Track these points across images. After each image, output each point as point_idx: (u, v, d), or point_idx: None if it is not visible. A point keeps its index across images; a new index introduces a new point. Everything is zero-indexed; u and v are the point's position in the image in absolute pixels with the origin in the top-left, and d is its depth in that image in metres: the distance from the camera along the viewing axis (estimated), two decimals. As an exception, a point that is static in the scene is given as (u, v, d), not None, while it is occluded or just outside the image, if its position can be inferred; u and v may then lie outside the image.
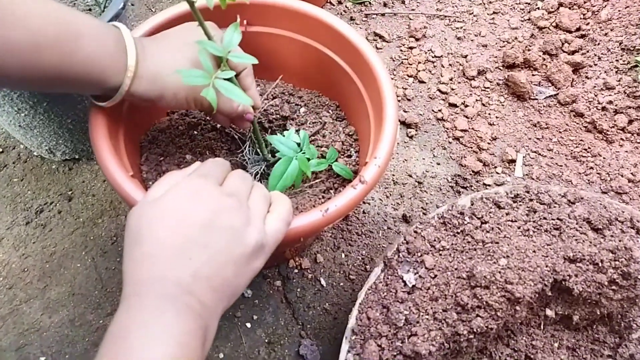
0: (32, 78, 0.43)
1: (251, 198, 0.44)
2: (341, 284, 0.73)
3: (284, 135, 0.61)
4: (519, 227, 0.64)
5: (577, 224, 0.64)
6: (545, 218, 0.65)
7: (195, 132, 0.70)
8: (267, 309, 0.70)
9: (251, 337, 0.68)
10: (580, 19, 1.00)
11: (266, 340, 0.68)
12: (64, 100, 0.66)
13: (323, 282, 0.73)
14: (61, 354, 0.66)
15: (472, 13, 1.02)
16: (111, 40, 0.47)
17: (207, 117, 0.70)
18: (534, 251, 0.61)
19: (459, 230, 0.65)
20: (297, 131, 0.63)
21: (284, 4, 0.64)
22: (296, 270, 0.74)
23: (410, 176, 0.83)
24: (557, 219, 0.64)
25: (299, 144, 0.60)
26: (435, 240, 0.64)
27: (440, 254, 0.63)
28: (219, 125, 0.70)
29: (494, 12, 1.03)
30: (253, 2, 0.63)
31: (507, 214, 0.66)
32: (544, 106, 0.90)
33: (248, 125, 0.63)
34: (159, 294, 0.35)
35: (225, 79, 0.49)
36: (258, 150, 0.64)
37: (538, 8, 1.04)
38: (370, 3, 1.03)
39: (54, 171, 0.80)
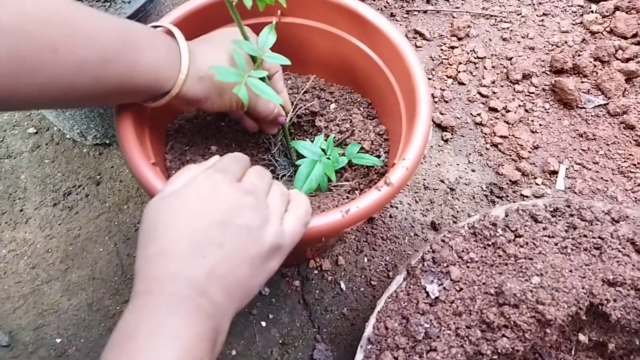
0: (98, 93, 0.43)
1: (270, 195, 0.42)
2: (361, 289, 0.70)
3: (312, 136, 0.60)
4: (556, 244, 0.60)
5: (620, 244, 0.59)
6: (585, 236, 0.60)
7: (223, 124, 0.68)
8: (283, 308, 0.69)
9: (265, 337, 0.66)
10: (638, 24, 0.93)
11: (280, 341, 0.66)
12: (95, 85, 0.66)
13: (343, 285, 0.70)
14: (77, 337, 0.66)
15: (521, 14, 0.97)
16: (164, 46, 0.47)
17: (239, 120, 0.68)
18: (571, 271, 0.56)
19: (490, 243, 0.61)
20: (327, 136, 0.62)
21: (318, -6, 0.62)
22: (316, 271, 0.71)
23: (443, 182, 0.79)
24: (599, 237, 0.60)
25: (324, 150, 0.59)
26: (463, 251, 0.61)
27: (468, 267, 0.59)
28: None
29: (543, 14, 0.97)
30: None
31: (544, 229, 0.61)
32: (591, 116, 0.84)
33: (276, 130, 0.63)
34: (170, 294, 0.34)
35: (258, 78, 0.49)
36: (287, 153, 0.64)
37: (592, 11, 0.97)
38: None
39: (85, 155, 0.80)
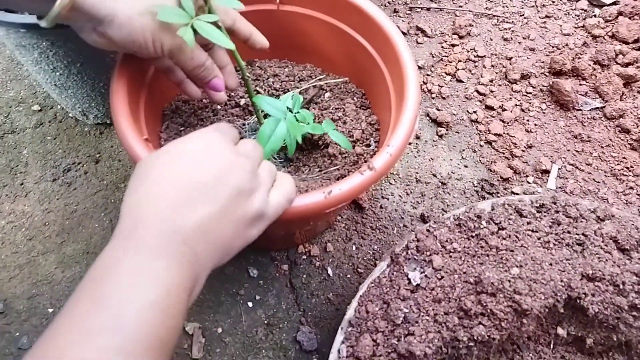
0: None
1: (260, 168, 0.44)
2: (348, 275, 0.72)
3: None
4: (538, 238, 0.61)
5: (602, 241, 0.59)
6: (569, 232, 0.61)
7: (219, 107, 0.70)
8: (270, 291, 0.70)
9: (251, 317, 0.68)
10: (641, 30, 0.94)
11: (265, 322, 0.68)
12: (97, 63, 0.68)
13: (330, 271, 0.72)
14: (68, 307, 0.68)
15: (523, 15, 0.98)
16: None
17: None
18: (551, 264, 0.57)
19: (473, 234, 0.62)
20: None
21: (317, -16, 0.63)
22: (304, 257, 0.73)
23: (435, 176, 0.80)
24: (583, 234, 0.60)
25: (290, 109, 0.56)
26: (447, 241, 0.62)
27: (451, 256, 0.60)
28: (242, 102, 0.70)
29: (546, 16, 0.98)
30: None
31: (528, 223, 0.62)
32: (588, 118, 0.85)
33: (220, 99, 0.60)
34: (155, 237, 0.34)
35: (208, 22, 0.45)
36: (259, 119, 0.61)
37: (595, 15, 0.98)
38: (416, -3, 1.00)
39: (86, 133, 0.82)
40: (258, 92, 0.71)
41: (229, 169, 0.39)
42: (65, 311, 0.30)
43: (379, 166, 0.51)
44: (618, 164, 0.80)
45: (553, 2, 1.00)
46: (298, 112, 0.57)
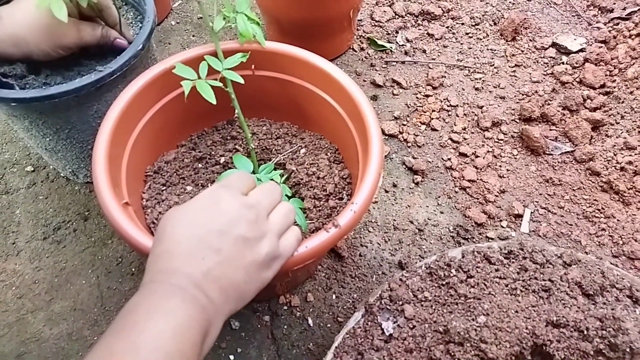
0: None
1: (274, 212, 0.48)
2: (328, 325, 0.73)
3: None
4: (506, 285, 0.63)
5: (568, 287, 0.61)
6: (536, 278, 0.63)
7: (200, 166, 0.74)
8: (252, 343, 0.72)
9: (233, 370, 0.69)
10: (606, 75, 0.98)
11: (247, 375, 0.69)
12: (85, 127, 0.72)
13: (310, 321, 0.73)
14: (54, 365, 0.69)
15: (493, 65, 1.03)
16: None
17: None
18: (517, 311, 0.59)
19: (444, 282, 0.64)
20: (282, 175, 0.69)
21: (288, 52, 0.68)
22: (285, 307, 0.75)
23: (412, 222, 0.83)
24: (549, 280, 0.62)
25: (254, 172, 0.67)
26: (418, 290, 0.64)
27: (422, 305, 0.62)
28: (222, 160, 0.73)
29: (515, 65, 1.03)
30: (260, 49, 0.67)
31: (496, 270, 0.64)
32: (558, 162, 0.88)
33: (124, 45, 0.69)
34: (171, 283, 0.39)
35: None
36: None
37: (562, 63, 1.02)
38: (391, 51, 1.06)
39: (76, 192, 0.86)
40: (238, 151, 0.74)
41: (234, 221, 0.43)
42: (96, 343, 0.36)
43: (344, 223, 0.54)
44: (590, 206, 0.83)
45: (522, 51, 1.05)
46: (261, 178, 0.64)
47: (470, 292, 0.62)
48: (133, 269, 0.78)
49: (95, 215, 0.83)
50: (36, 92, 0.63)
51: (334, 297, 0.76)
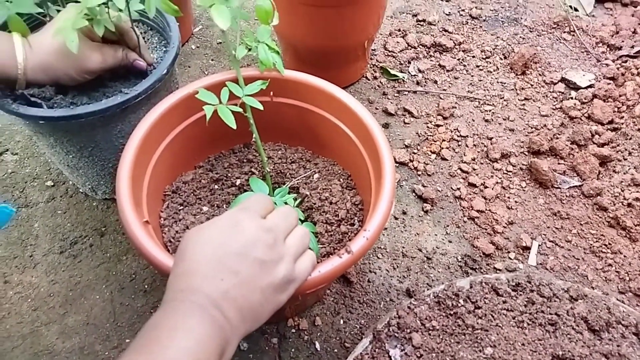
0: None
1: (290, 236, 0.50)
2: (335, 350, 0.74)
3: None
4: (513, 318, 0.64)
5: (574, 321, 0.62)
6: (542, 311, 0.64)
7: (216, 187, 0.76)
8: (259, 364, 0.73)
9: (240, 391, 0.70)
10: (614, 112, 1.00)
11: (253, 396, 0.70)
12: (107, 147, 0.75)
13: (318, 346, 0.74)
14: (65, 379, 0.71)
15: (503, 97, 1.05)
16: (5, 46, 0.62)
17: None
18: (523, 344, 0.60)
19: (452, 312, 0.65)
20: (295, 198, 0.72)
21: (306, 80, 0.71)
22: (294, 330, 0.76)
23: (420, 250, 0.84)
24: (555, 314, 0.63)
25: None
26: (426, 318, 0.65)
27: (430, 334, 0.63)
28: (238, 182, 0.76)
29: (525, 99, 1.05)
30: (279, 76, 0.70)
31: (504, 302, 0.65)
32: (566, 196, 0.90)
33: (143, 67, 0.73)
34: (191, 302, 0.41)
35: None
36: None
37: (571, 98, 1.05)
38: (404, 80, 1.08)
39: (94, 208, 0.88)
40: (253, 173, 0.77)
41: (252, 244, 0.45)
42: (119, 358, 0.38)
43: (356, 250, 0.56)
44: (596, 241, 0.84)
45: (531, 85, 1.07)
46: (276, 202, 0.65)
47: (477, 323, 0.63)
48: (146, 286, 0.80)
49: (112, 231, 0.86)
50: (64, 111, 0.66)
51: (341, 322, 0.77)
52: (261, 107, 0.63)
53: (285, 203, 0.69)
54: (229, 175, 0.77)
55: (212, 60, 1.15)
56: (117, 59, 0.70)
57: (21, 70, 0.63)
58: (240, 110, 0.62)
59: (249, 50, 0.65)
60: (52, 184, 0.91)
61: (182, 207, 0.72)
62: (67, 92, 0.71)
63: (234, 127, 0.58)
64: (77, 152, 0.74)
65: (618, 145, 0.95)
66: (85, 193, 0.90)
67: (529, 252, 0.83)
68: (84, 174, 0.81)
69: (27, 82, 0.65)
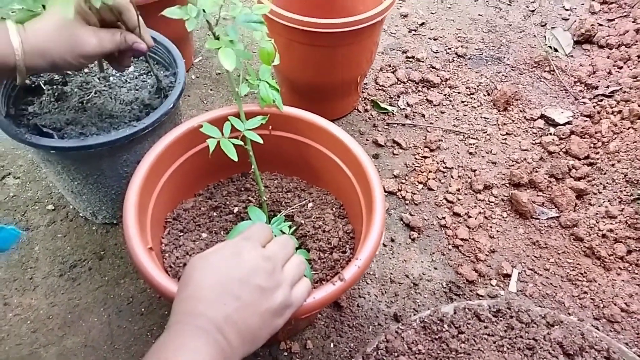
0: None
1: (288, 264, 0.53)
2: (326, 372, 0.77)
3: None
4: (494, 342, 0.68)
5: (550, 346, 0.66)
6: (521, 336, 0.68)
7: (215, 214, 0.80)
8: (253, 386, 0.75)
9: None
10: (590, 147, 1.07)
11: (246, 417, 0.72)
12: (112, 175, 0.79)
13: (309, 368, 0.77)
14: (63, 399, 0.73)
15: (486, 132, 1.11)
16: (2, 37, 0.60)
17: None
18: (503, 367, 0.64)
19: (437, 337, 0.69)
20: (290, 226, 0.75)
21: (302, 116, 0.76)
22: (286, 353, 0.79)
23: (407, 277, 0.88)
24: (533, 339, 0.68)
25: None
26: (413, 342, 0.68)
27: (416, 357, 0.67)
28: (235, 210, 0.80)
29: (507, 133, 1.11)
30: (278, 112, 0.75)
31: (485, 327, 0.70)
32: (545, 226, 0.95)
33: (128, 64, 0.72)
34: (196, 326, 0.44)
35: None
36: None
37: (550, 133, 1.11)
38: (393, 113, 1.14)
39: (93, 232, 0.91)
40: (251, 202, 0.81)
41: (253, 271, 0.48)
42: None
43: (349, 277, 0.60)
44: (573, 270, 0.89)
45: (513, 121, 1.14)
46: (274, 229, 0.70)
47: (460, 347, 0.67)
48: (143, 309, 0.82)
49: (110, 255, 0.88)
50: (74, 142, 0.69)
51: (332, 345, 0.80)
52: (261, 141, 0.67)
53: (281, 231, 0.73)
54: (227, 203, 0.80)
55: (211, 90, 1.20)
56: (115, 43, 0.66)
57: (19, 55, 0.60)
58: (241, 142, 0.66)
59: (250, 88, 0.70)
60: (53, 207, 0.94)
61: (182, 234, 0.76)
62: (77, 123, 0.75)
63: (236, 159, 0.62)
64: (83, 179, 0.78)
65: (594, 179, 1.01)
66: (86, 217, 0.93)
67: (510, 280, 0.88)
68: (86, 200, 0.84)
69: (27, 68, 0.62)
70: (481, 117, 1.15)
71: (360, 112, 1.16)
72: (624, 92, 1.14)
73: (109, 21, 0.67)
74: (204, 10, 0.58)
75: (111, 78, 0.84)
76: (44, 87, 0.80)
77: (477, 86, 1.22)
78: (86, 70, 0.84)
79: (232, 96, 0.60)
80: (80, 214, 0.93)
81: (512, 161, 1.06)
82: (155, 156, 0.69)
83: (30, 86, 0.80)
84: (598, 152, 1.06)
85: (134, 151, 0.75)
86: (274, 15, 0.91)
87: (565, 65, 1.27)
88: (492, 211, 0.97)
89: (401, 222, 0.96)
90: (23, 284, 0.84)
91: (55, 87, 0.80)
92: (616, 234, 0.91)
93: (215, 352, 0.43)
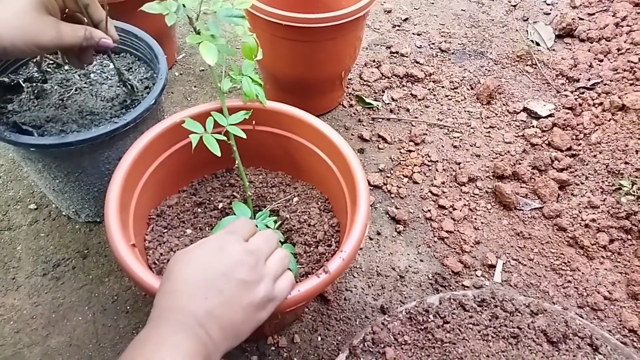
0: None
1: (271, 258, 0.53)
2: (313, 366, 0.77)
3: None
4: (479, 331, 0.69)
5: (534, 334, 0.67)
6: (506, 325, 0.69)
7: (199, 210, 0.79)
8: (240, 381, 0.75)
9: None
10: (572, 139, 1.08)
11: (234, 413, 0.72)
12: (93, 172, 0.78)
13: (296, 362, 0.77)
14: (47, 399, 0.72)
15: (470, 125, 1.12)
16: None
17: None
18: (488, 356, 0.64)
19: (422, 327, 0.70)
20: (275, 221, 0.75)
21: (286, 110, 0.76)
22: (273, 348, 0.79)
23: (394, 269, 0.89)
24: (517, 327, 0.68)
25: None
26: (399, 334, 0.69)
27: (402, 348, 0.67)
28: (220, 205, 0.79)
29: (490, 127, 1.12)
30: (261, 107, 0.75)
31: (470, 317, 0.70)
32: (528, 217, 0.96)
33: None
34: (177, 319, 0.43)
35: None
36: None
37: (533, 126, 1.13)
38: (378, 108, 1.15)
39: (77, 230, 0.90)
40: (235, 197, 0.80)
41: (235, 265, 0.48)
42: None
43: (333, 270, 0.60)
44: (557, 259, 0.90)
45: (496, 114, 1.15)
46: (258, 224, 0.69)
47: (446, 337, 0.67)
48: (128, 307, 0.82)
49: (94, 254, 0.88)
50: (55, 139, 0.69)
51: (319, 338, 0.80)
52: (244, 136, 0.67)
53: (266, 225, 0.73)
54: (212, 199, 0.80)
55: (195, 87, 1.19)
56: (76, 38, 0.63)
57: None
58: (224, 138, 0.66)
59: (233, 83, 0.70)
60: (35, 207, 0.93)
61: (166, 230, 0.75)
62: (57, 120, 0.74)
63: (219, 155, 0.62)
64: (64, 177, 0.77)
65: (576, 170, 1.02)
66: (68, 216, 0.92)
67: (495, 270, 0.89)
68: (69, 198, 0.83)
69: None
70: (465, 111, 1.16)
71: (345, 107, 1.16)
72: (605, 84, 1.15)
73: (73, 11, 0.65)
74: (184, 5, 0.57)
75: (92, 75, 0.83)
76: (24, 85, 0.78)
77: (461, 80, 1.22)
78: (67, 67, 0.83)
79: (216, 92, 0.59)
80: (63, 213, 0.92)
81: (496, 154, 1.07)
82: (137, 152, 0.68)
83: (9, 84, 0.79)
84: (580, 144, 1.07)
85: (115, 148, 0.75)
86: (257, 10, 0.91)
87: (547, 59, 1.29)
88: (477, 203, 0.98)
89: (387, 215, 0.96)
90: (6, 284, 0.83)
91: (35, 84, 0.79)
92: (599, 224, 0.92)
93: (195, 347, 0.43)
